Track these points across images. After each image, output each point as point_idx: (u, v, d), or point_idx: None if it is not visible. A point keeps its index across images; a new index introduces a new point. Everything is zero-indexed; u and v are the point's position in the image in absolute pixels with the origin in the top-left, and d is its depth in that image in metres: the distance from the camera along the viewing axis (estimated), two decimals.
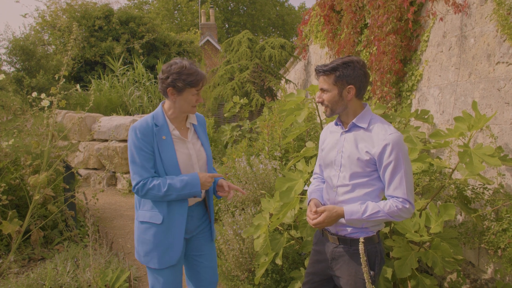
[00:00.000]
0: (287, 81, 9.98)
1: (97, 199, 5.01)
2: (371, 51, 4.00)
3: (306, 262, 2.36)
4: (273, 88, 10.20)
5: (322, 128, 2.78)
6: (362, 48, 4.62)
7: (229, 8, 36.86)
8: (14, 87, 8.59)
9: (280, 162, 3.64)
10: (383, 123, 1.63)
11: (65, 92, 10.48)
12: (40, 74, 8.56)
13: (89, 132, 6.76)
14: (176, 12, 34.76)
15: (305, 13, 8.60)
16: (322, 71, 1.64)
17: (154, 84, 10.34)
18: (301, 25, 8.92)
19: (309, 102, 2.68)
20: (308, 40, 9.13)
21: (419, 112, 3.19)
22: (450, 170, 2.44)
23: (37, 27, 16.42)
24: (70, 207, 3.78)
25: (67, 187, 3.61)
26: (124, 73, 10.01)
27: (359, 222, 1.60)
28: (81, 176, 4.05)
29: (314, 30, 7.40)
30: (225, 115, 7.67)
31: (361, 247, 1.19)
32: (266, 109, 7.39)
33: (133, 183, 1.79)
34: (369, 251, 1.63)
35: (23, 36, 8.81)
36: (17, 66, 8.90)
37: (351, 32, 4.85)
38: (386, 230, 2.45)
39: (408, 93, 3.59)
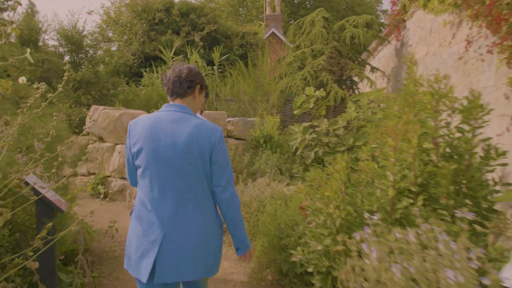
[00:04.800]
0: (373, 68, 7.83)
1: (116, 230, 3.56)
2: None
3: None
4: (354, 78, 8.12)
5: None
6: None
7: (295, 1, 35.04)
8: (61, 82, 7.75)
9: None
10: None
11: (120, 89, 9.61)
12: (85, 65, 7.62)
13: (126, 133, 5.46)
14: (240, 9, 34.16)
15: None
16: None
17: (211, 77, 8.92)
18: None
19: None
20: (407, 13, 6.90)
21: None
22: None
23: (103, 24, 16.33)
24: (46, 259, 2.30)
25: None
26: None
27: None
28: (60, 210, 2.55)
29: None
30: (294, 112, 5.87)
31: None
32: (351, 104, 5.42)
33: (232, 189, 1.71)
34: None
35: (70, 25, 7.99)
36: (66, 58, 8.09)
37: None
38: None
39: None
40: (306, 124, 5.78)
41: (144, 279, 1.53)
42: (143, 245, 1.57)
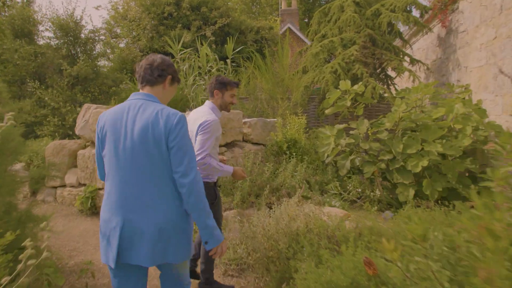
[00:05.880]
0: (413, 60, 6.70)
1: (93, 274, 2.57)
2: None
3: None
4: (388, 71, 7.00)
5: None
6: None
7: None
8: (55, 78, 6.89)
9: None
10: None
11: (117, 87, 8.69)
12: (81, 60, 6.71)
13: None
14: (253, 6, 33.34)
15: None
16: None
17: (223, 73, 7.91)
18: None
19: None
20: None
21: None
22: None
23: (111, 21, 15.60)
24: None
25: None
26: (188, 57, 7.77)
27: None
28: None
29: None
30: (326, 111, 4.80)
31: None
32: (399, 101, 4.34)
33: (193, 174, 1.65)
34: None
35: (66, 14, 7.10)
36: (63, 52, 7.21)
37: None
38: None
39: None
40: (340, 126, 4.70)
41: (112, 264, 1.58)
42: (107, 231, 1.62)
